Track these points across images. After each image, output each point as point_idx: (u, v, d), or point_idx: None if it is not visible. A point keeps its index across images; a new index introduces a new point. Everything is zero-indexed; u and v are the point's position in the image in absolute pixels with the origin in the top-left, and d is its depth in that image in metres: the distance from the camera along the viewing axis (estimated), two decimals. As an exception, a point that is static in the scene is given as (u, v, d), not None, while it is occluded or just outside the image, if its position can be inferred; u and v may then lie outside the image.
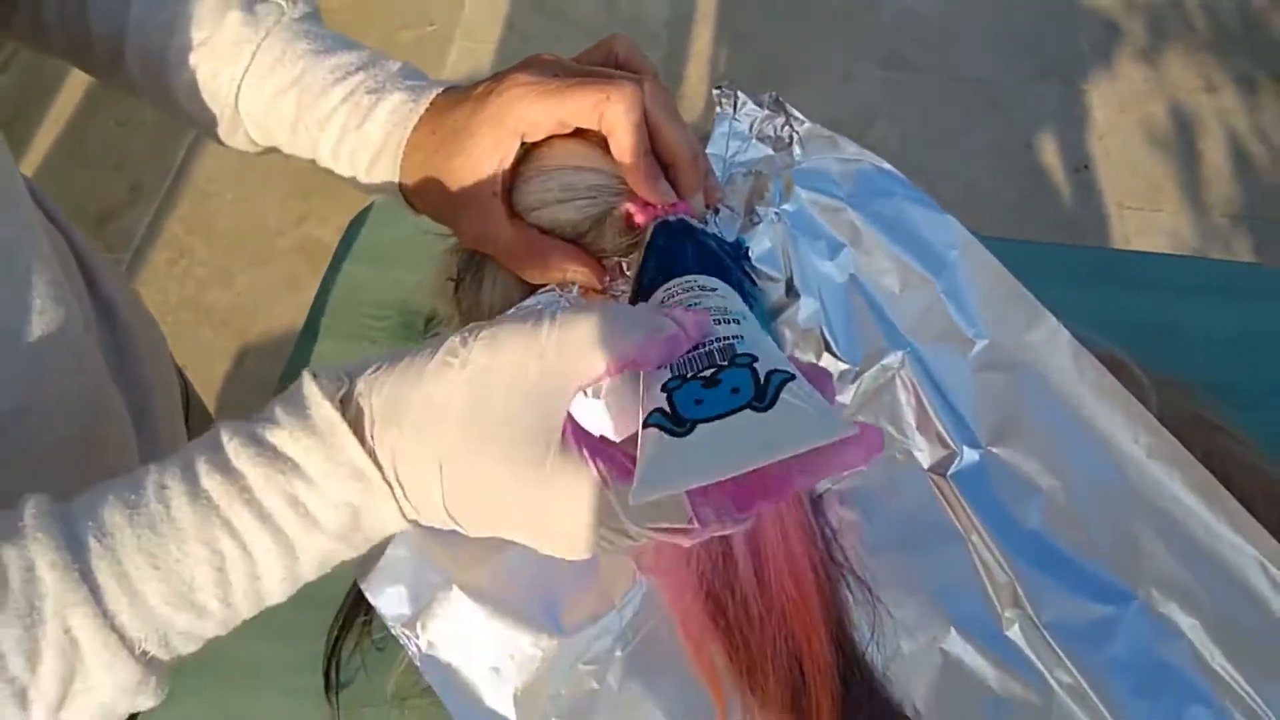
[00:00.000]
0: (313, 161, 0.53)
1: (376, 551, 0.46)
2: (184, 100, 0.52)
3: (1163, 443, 0.45)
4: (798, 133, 0.51)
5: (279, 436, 0.34)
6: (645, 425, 0.33)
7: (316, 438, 0.34)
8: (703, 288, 0.39)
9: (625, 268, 0.48)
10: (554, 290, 0.48)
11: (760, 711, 0.46)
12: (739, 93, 0.52)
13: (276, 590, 0.36)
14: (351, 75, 0.50)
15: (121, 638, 0.32)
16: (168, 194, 1.75)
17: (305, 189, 1.75)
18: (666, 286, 0.40)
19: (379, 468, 0.35)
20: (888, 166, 0.50)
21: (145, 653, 0.33)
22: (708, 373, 0.33)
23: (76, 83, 1.88)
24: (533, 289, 0.49)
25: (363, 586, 0.45)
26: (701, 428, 0.31)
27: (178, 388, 0.60)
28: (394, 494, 0.35)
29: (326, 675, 0.53)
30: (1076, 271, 0.50)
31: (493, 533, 0.37)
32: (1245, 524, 0.44)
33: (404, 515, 0.36)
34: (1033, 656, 0.45)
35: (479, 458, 0.34)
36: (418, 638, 0.45)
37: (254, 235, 1.69)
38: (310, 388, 0.35)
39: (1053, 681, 0.45)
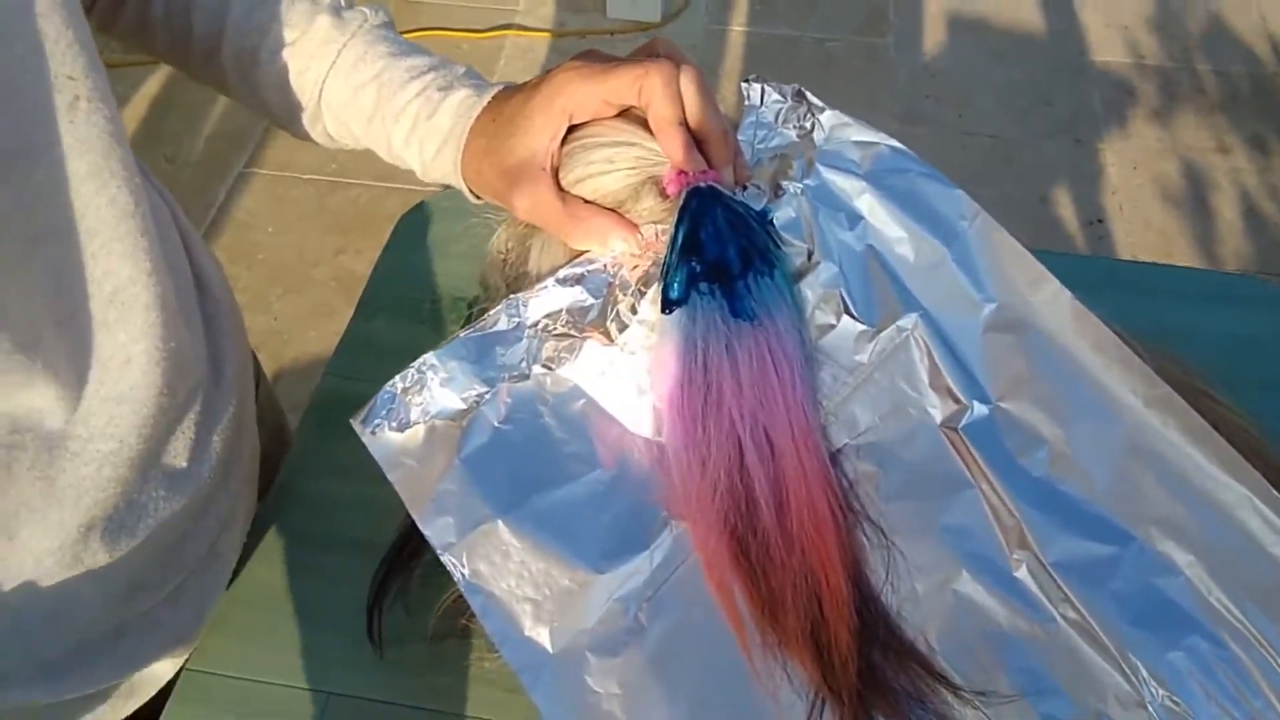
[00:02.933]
0: (385, 150, 0.59)
1: (428, 487, 0.50)
2: (270, 94, 0.57)
3: (1158, 392, 0.48)
4: (819, 119, 0.55)
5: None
6: None
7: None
8: None
9: (660, 233, 0.52)
10: (595, 256, 0.53)
11: (781, 647, 0.49)
12: (765, 85, 0.57)
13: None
14: (424, 74, 0.56)
15: None
16: (211, 225, 1.82)
17: (341, 225, 1.82)
18: None
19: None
20: (902, 146, 0.54)
21: None
22: None
23: (129, 118, 1.96)
24: (577, 255, 0.54)
25: (414, 515, 0.49)
26: None
27: (251, 364, 0.65)
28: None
29: (370, 615, 0.57)
30: (1081, 278, 0.53)
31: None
32: (1235, 464, 0.47)
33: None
34: (1040, 594, 0.48)
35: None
36: (463, 566, 0.48)
37: (291, 266, 1.76)
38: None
39: (1058, 617, 0.47)
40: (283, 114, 0.59)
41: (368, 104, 0.56)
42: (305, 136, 0.60)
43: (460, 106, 0.55)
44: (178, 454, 0.52)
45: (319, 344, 1.63)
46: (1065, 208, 1.93)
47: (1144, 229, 1.89)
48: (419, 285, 0.75)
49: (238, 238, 1.81)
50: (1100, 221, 1.91)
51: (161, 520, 0.51)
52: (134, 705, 0.56)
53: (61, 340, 0.44)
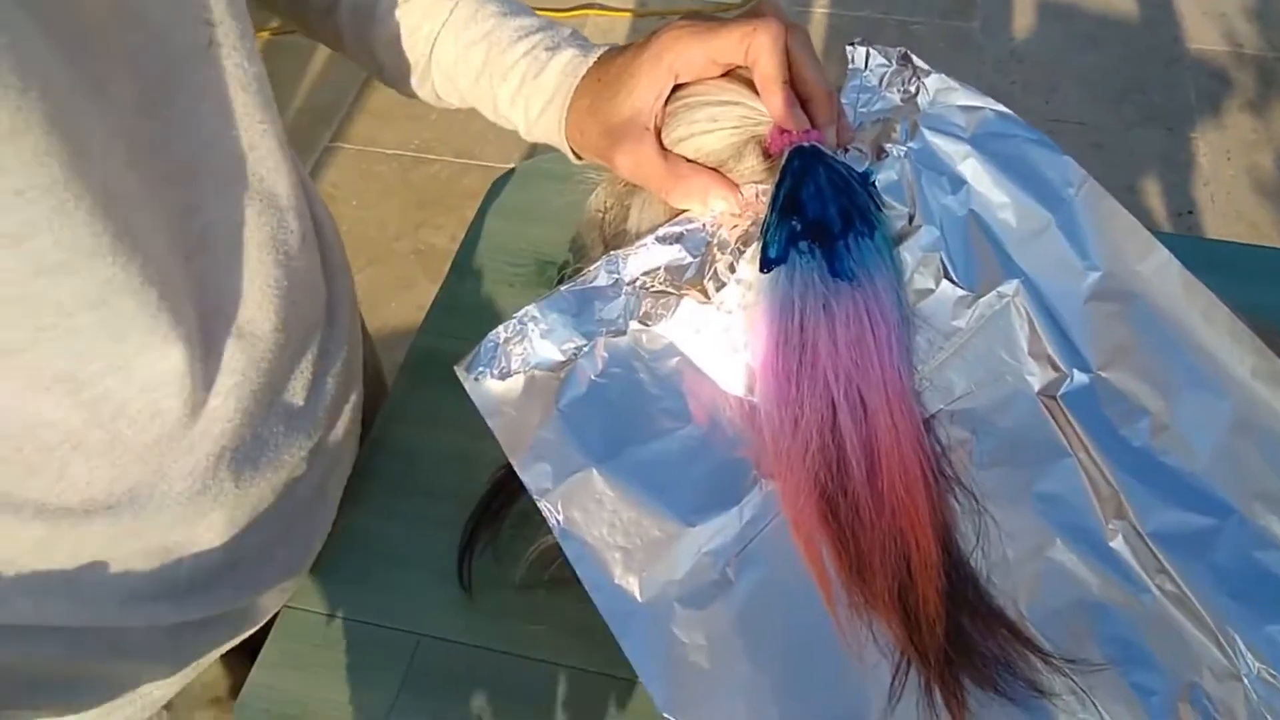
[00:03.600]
0: (490, 109, 0.60)
1: (527, 435, 0.51)
2: (383, 51, 0.59)
3: (1268, 364, 0.47)
4: (924, 83, 0.55)
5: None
6: None
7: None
8: None
9: (760, 193, 0.52)
10: (695, 214, 0.53)
11: (868, 608, 0.49)
12: (870, 48, 0.56)
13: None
14: (532, 34, 0.56)
15: None
16: (298, 197, 1.87)
17: (422, 199, 1.85)
18: None
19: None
20: (1008, 111, 0.54)
21: None
22: None
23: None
24: (676, 214, 0.54)
25: (513, 461, 0.50)
26: None
27: (359, 313, 0.67)
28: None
29: (460, 561, 0.58)
30: (1178, 258, 0.52)
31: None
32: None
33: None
34: (1135, 565, 0.47)
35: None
36: (558, 513, 0.49)
37: (373, 238, 1.79)
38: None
39: (1153, 588, 0.47)
40: (394, 71, 0.60)
41: (476, 62, 0.57)
42: (413, 94, 0.61)
43: (567, 66, 0.56)
44: (296, 392, 0.54)
45: (400, 315, 1.66)
46: (1155, 197, 1.88)
47: (1235, 220, 1.84)
48: (509, 249, 0.76)
49: (323, 209, 1.85)
50: (1190, 213, 1.86)
51: (281, 456, 0.53)
52: (247, 631, 0.59)
53: (189, 276, 0.46)
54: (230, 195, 0.47)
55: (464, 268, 0.75)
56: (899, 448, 0.50)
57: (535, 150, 0.59)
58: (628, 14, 2.25)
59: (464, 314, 0.72)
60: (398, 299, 1.69)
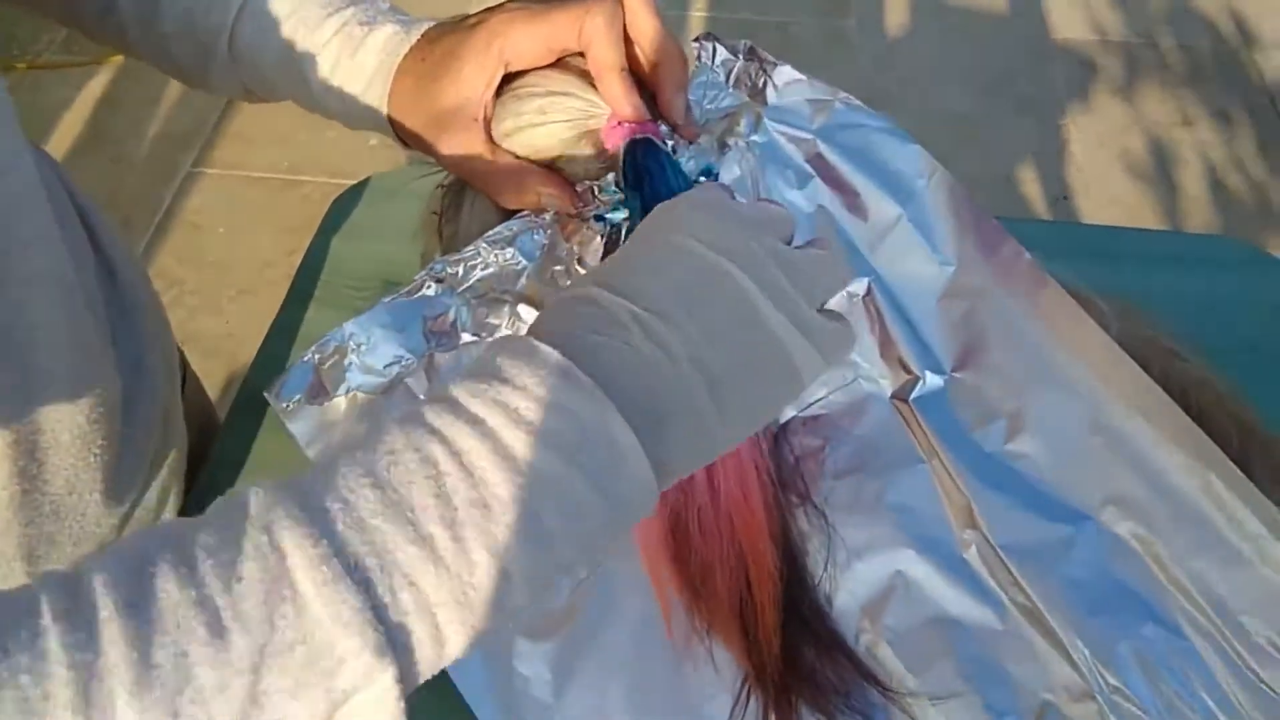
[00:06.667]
0: (305, 98, 0.54)
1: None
2: (175, 45, 0.53)
3: (1120, 365, 0.46)
4: (771, 77, 0.52)
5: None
6: None
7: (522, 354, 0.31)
8: None
9: (596, 191, 0.49)
10: (528, 215, 0.49)
11: (710, 629, 0.46)
12: (717, 44, 0.53)
13: (507, 529, 0.28)
14: (344, 9, 0.51)
15: (339, 557, 0.25)
16: (159, 228, 1.77)
17: (294, 224, 1.78)
18: None
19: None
20: (857, 102, 0.51)
21: (370, 588, 0.25)
22: None
23: (74, 120, 1.91)
24: (509, 215, 0.50)
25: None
26: None
27: (176, 351, 0.61)
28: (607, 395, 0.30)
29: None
30: (1047, 245, 0.50)
31: None
32: (1198, 441, 0.44)
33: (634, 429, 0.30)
34: (988, 578, 0.45)
35: None
36: None
37: (244, 266, 1.71)
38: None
39: (1008, 602, 0.45)
40: (192, 67, 0.53)
41: (283, 45, 0.51)
42: (222, 91, 0.55)
43: (387, 44, 0.50)
44: (93, 452, 0.48)
45: (274, 345, 1.59)
46: (1031, 185, 1.92)
47: (1110, 204, 1.88)
48: (353, 272, 0.71)
49: (187, 239, 1.76)
50: (1066, 199, 1.90)
51: (83, 527, 0.47)
52: None
53: None
54: None
55: (302, 294, 0.70)
56: (735, 451, 0.46)
57: (418, 164, 0.52)
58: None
59: (302, 345, 0.67)
60: (272, 328, 1.62)
